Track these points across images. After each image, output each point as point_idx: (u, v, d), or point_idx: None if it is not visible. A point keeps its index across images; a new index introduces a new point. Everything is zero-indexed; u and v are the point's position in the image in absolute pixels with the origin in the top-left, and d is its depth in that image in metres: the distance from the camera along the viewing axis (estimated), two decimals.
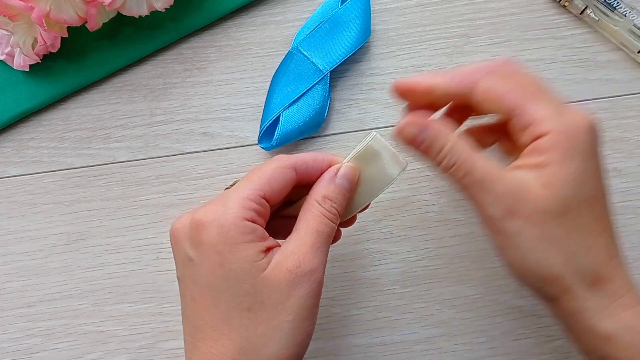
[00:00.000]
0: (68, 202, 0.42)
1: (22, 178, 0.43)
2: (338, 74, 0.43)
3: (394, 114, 0.42)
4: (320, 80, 0.41)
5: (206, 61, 0.44)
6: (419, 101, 0.31)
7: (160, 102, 0.43)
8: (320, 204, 0.30)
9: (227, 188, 0.32)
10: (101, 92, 0.44)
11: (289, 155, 0.31)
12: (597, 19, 0.42)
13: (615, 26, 0.42)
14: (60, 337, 0.40)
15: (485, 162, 0.28)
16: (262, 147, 0.41)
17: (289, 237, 0.30)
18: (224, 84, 0.44)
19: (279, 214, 0.33)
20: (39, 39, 0.39)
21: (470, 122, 0.34)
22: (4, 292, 0.41)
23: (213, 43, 0.44)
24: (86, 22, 0.39)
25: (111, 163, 0.43)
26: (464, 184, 0.29)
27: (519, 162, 0.29)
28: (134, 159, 0.43)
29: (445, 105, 0.31)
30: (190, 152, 0.43)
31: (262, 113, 0.42)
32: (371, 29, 0.43)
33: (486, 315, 0.39)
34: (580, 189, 0.27)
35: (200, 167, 0.42)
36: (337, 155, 0.32)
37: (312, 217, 0.29)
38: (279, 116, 0.41)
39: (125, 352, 0.40)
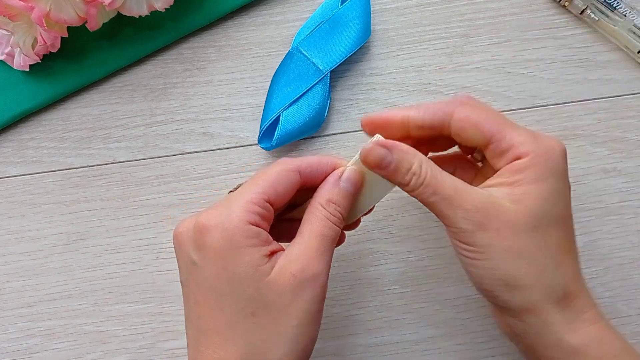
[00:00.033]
0: (68, 202, 0.42)
1: (22, 178, 0.43)
2: (338, 74, 0.43)
3: None
4: (320, 80, 0.41)
5: (206, 61, 0.44)
6: (391, 135, 0.31)
7: (160, 102, 0.43)
8: (324, 208, 0.30)
9: (231, 191, 0.31)
10: (101, 92, 0.44)
11: (293, 158, 0.31)
12: (597, 19, 0.42)
13: (615, 26, 0.42)
14: (60, 337, 0.40)
15: (453, 180, 0.29)
16: (262, 147, 0.41)
17: (293, 241, 0.29)
18: (224, 84, 0.44)
19: (283, 217, 0.33)
20: (39, 39, 0.39)
21: (430, 154, 0.35)
22: (4, 292, 0.41)
23: (213, 43, 0.44)
24: (86, 22, 0.39)
25: (111, 163, 0.43)
26: (433, 201, 0.29)
27: (490, 181, 0.30)
28: (134, 159, 0.43)
29: (417, 137, 0.32)
30: (190, 152, 0.43)
31: (262, 113, 0.42)
32: (371, 29, 0.43)
33: (486, 315, 0.39)
34: (552, 207, 0.29)
35: (200, 167, 0.42)
36: (341, 158, 0.32)
37: (316, 220, 0.29)
38: (279, 116, 0.41)
39: (125, 352, 0.40)
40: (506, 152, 0.29)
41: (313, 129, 0.42)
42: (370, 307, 0.40)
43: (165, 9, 0.41)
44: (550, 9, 0.44)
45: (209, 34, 0.44)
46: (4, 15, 0.37)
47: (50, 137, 0.43)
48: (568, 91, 0.42)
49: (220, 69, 0.44)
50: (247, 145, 0.43)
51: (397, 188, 0.31)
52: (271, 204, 0.29)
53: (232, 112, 0.43)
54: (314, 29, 0.42)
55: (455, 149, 0.35)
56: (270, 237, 0.29)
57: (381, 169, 0.30)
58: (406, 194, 0.30)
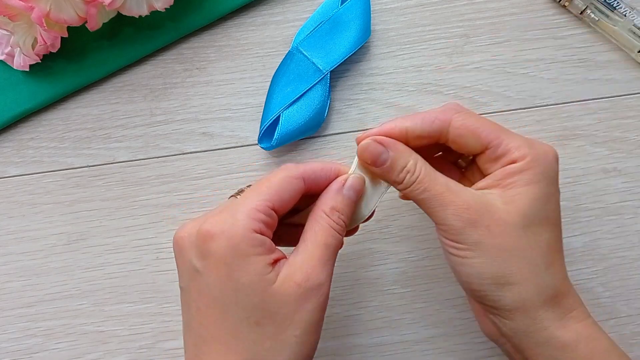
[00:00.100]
0: (68, 202, 0.42)
1: (22, 178, 0.43)
2: (338, 74, 0.43)
3: (395, 114, 0.43)
4: (320, 80, 0.41)
5: (206, 61, 0.44)
6: None
7: (160, 102, 0.43)
8: (328, 216, 0.30)
9: (232, 196, 0.31)
10: (101, 92, 0.44)
11: (297, 164, 0.31)
12: (597, 19, 0.42)
13: (615, 26, 0.42)
14: (60, 337, 0.40)
15: (446, 180, 0.30)
16: (262, 147, 0.41)
17: (295, 248, 0.29)
18: (224, 84, 0.44)
19: (283, 222, 0.32)
20: (39, 39, 0.39)
21: None
22: (4, 292, 0.41)
23: (213, 43, 0.44)
24: (86, 22, 0.39)
25: (111, 163, 0.43)
26: (424, 198, 0.30)
27: (481, 183, 0.30)
28: (134, 159, 0.43)
29: (416, 146, 0.32)
30: (190, 152, 0.43)
31: (262, 113, 0.42)
32: (371, 29, 0.43)
33: None
34: (542, 208, 0.29)
35: (200, 167, 0.42)
36: (344, 164, 0.32)
37: (320, 229, 0.29)
38: (279, 116, 0.41)
39: (125, 352, 0.40)
40: (502, 157, 0.30)
41: (313, 129, 0.42)
42: (370, 307, 0.40)
43: (165, 9, 0.41)
44: (550, 9, 0.44)
45: (209, 34, 0.44)
46: (4, 15, 0.37)
47: (50, 137, 0.43)
48: (568, 91, 0.42)
49: (220, 69, 0.44)
50: (247, 145, 0.43)
51: (392, 189, 0.32)
52: (275, 211, 0.29)
53: (232, 112, 0.43)
54: (314, 29, 0.42)
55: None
56: (274, 245, 0.29)
57: (377, 166, 0.30)
58: None
